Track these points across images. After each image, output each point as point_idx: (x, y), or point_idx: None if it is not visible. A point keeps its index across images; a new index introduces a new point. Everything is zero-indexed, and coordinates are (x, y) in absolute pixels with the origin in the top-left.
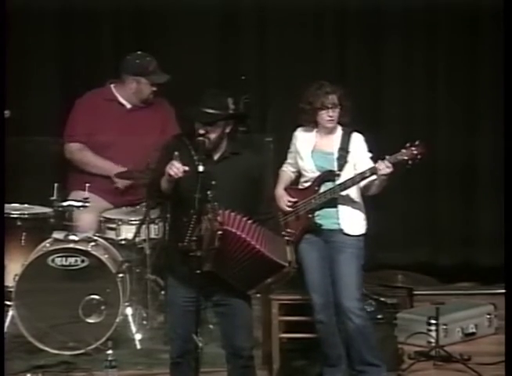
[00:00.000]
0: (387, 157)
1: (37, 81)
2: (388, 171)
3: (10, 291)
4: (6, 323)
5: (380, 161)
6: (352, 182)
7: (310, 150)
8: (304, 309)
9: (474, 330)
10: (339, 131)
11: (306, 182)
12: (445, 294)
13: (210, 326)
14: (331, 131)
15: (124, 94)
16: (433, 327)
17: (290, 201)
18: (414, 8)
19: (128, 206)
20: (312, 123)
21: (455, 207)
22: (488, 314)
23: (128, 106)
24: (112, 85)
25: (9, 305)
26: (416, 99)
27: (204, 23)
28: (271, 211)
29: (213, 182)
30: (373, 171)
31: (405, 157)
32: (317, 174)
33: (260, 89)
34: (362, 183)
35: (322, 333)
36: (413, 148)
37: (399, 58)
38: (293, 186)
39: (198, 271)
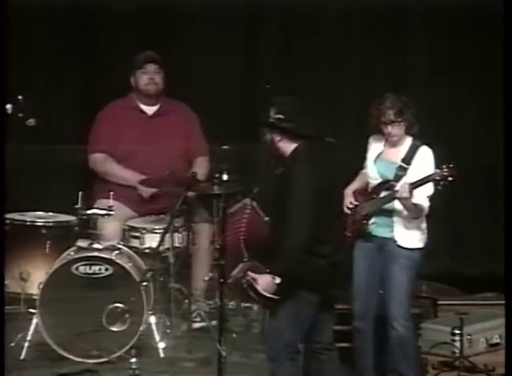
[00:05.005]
0: (411, 181)
1: (63, 88)
2: (404, 195)
3: (35, 299)
4: (30, 331)
5: (402, 184)
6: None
7: (374, 157)
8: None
9: (498, 341)
10: (408, 142)
11: (370, 188)
12: (469, 304)
13: (234, 335)
14: (398, 142)
15: (143, 98)
16: (457, 338)
17: (351, 203)
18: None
19: (152, 214)
20: (379, 133)
21: (478, 217)
22: None
23: (150, 113)
24: (133, 94)
25: (33, 313)
26: (439, 105)
27: (230, 31)
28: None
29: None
30: (396, 193)
31: (437, 178)
32: (379, 181)
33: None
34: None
35: (356, 340)
36: (446, 170)
37: (423, 58)
38: (361, 190)
39: None
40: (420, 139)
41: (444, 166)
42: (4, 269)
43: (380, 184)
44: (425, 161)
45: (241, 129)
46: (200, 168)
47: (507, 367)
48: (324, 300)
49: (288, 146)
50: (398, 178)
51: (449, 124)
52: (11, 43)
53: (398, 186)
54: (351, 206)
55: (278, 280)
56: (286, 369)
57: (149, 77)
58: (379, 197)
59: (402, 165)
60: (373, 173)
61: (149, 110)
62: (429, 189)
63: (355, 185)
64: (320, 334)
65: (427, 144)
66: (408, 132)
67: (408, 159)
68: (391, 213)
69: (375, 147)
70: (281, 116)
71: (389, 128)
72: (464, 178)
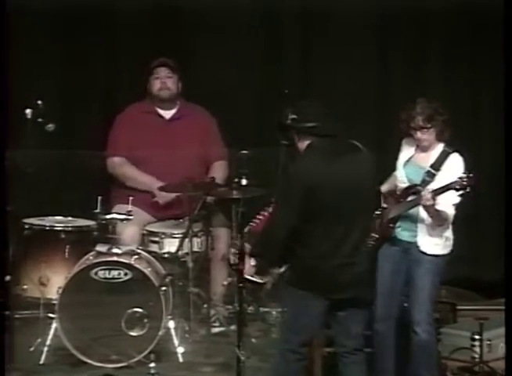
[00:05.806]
0: (433, 188)
1: (81, 94)
2: (428, 203)
3: (54, 304)
4: (50, 336)
5: (425, 191)
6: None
7: (404, 161)
8: None
9: None
10: (439, 148)
11: (399, 191)
12: (488, 309)
13: (253, 339)
14: (429, 147)
15: (159, 103)
16: (477, 343)
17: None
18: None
19: (171, 219)
20: (411, 138)
21: (497, 221)
22: None
23: (167, 117)
24: (150, 98)
25: (52, 318)
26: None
27: (249, 35)
28: None
29: None
30: (419, 199)
31: (457, 186)
32: (407, 185)
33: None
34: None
35: (377, 343)
36: (465, 179)
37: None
38: (391, 193)
39: None
40: (453, 145)
41: (464, 175)
42: (5, 274)
43: (407, 188)
44: (454, 168)
45: (260, 134)
46: (218, 172)
47: (508, 370)
48: (341, 303)
49: (304, 145)
50: (425, 183)
51: (467, 131)
52: (29, 47)
53: (424, 192)
54: (380, 208)
55: (253, 262)
56: (282, 366)
57: (161, 82)
58: (405, 201)
59: (430, 171)
60: (401, 176)
61: (167, 114)
62: (455, 197)
63: (387, 184)
64: (346, 337)
65: (459, 151)
66: (439, 138)
67: (437, 165)
68: (415, 218)
69: (407, 150)
70: (295, 116)
71: (418, 134)
72: (483, 182)
